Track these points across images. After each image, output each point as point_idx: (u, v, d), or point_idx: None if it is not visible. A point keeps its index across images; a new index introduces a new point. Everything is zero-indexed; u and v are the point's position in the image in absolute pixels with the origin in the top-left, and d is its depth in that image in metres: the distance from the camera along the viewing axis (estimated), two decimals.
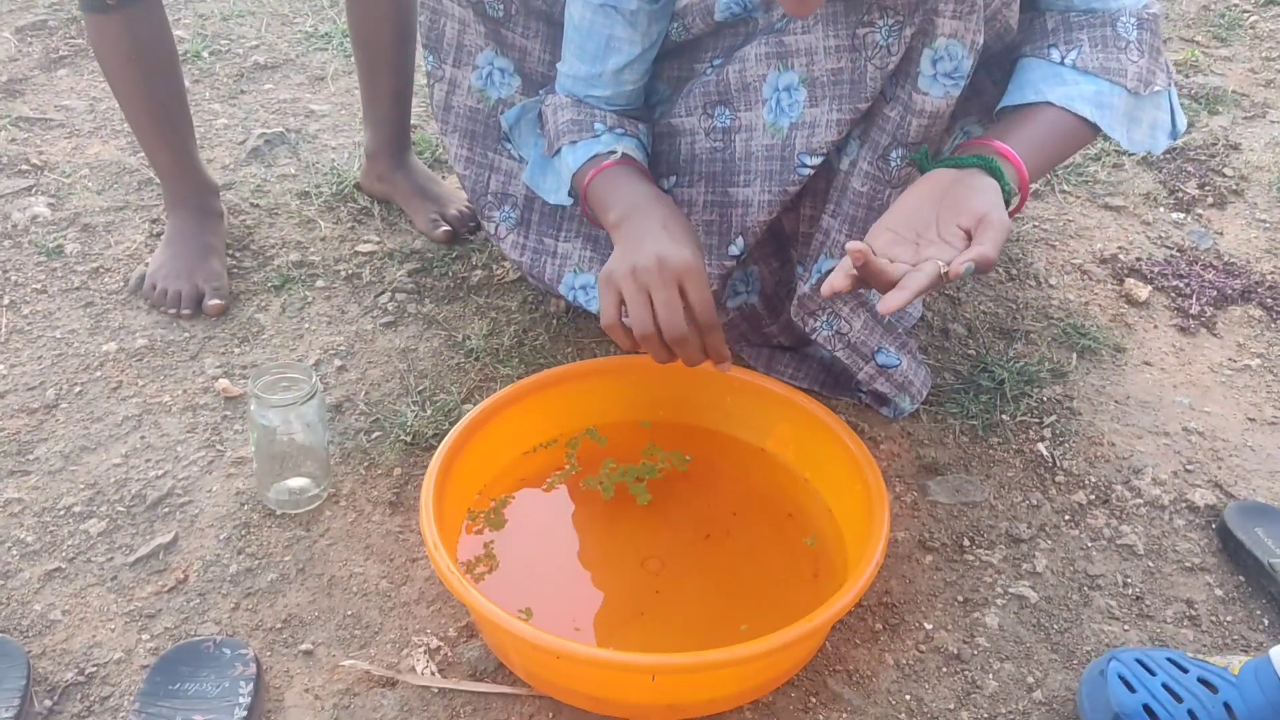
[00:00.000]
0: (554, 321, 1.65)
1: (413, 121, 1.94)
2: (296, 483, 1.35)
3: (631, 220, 1.25)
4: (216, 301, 1.66)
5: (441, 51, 1.49)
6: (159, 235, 1.81)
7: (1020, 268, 1.76)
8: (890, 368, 1.46)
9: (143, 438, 1.46)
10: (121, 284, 1.73)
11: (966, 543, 1.33)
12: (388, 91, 1.81)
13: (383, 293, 1.71)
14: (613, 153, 1.34)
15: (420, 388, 1.54)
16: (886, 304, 1.02)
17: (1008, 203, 1.15)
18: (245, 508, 1.37)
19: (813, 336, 1.42)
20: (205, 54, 2.43)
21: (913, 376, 1.48)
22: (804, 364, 1.53)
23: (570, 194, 1.42)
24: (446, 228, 1.81)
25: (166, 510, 1.36)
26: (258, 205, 1.91)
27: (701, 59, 1.44)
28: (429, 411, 1.49)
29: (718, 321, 1.20)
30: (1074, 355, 1.58)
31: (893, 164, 1.28)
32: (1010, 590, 1.27)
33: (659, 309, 1.17)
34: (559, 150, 1.39)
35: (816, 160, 1.32)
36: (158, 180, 1.79)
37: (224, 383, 1.54)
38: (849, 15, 1.25)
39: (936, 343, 1.62)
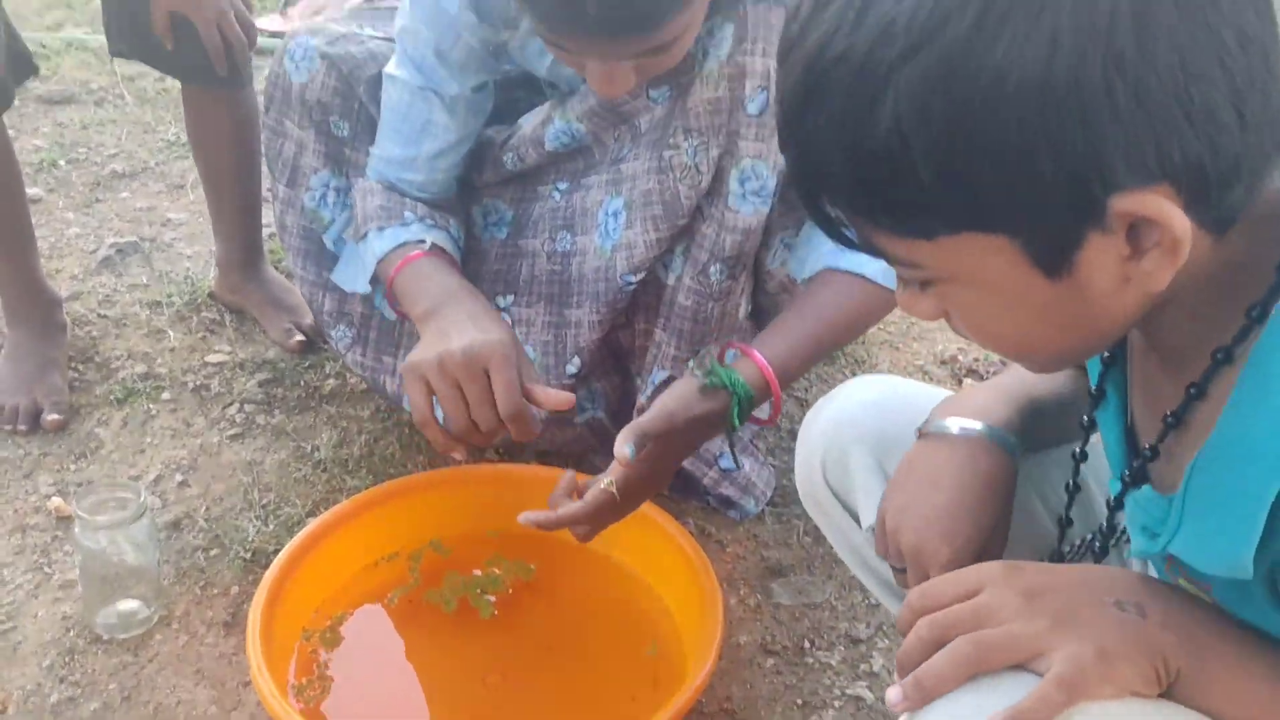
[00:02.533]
0: (406, 430, 1.65)
1: (270, 229, 1.94)
2: (126, 605, 1.31)
3: (440, 313, 1.25)
4: (54, 416, 1.61)
5: (278, 170, 1.50)
6: None
7: (865, 369, 1.82)
8: (732, 471, 1.48)
9: None
10: None
11: (807, 645, 1.34)
12: (232, 206, 1.82)
13: (231, 404, 1.69)
14: (421, 242, 1.34)
15: (264, 501, 1.51)
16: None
17: (748, 404, 1.17)
18: (71, 633, 1.32)
19: None
20: (62, 162, 2.40)
21: (756, 479, 1.51)
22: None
23: (372, 281, 1.42)
24: (300, 337, 1.80)
25: None
26: (105, 316, 1.87)
27: (545, 182, 1.48)
28: (271, 526, 1.47)
29: (522, 407, 1.18)
30: None
31: (713, 278, 1.33)
32: (848, 692, 1.28)
33: (471, 404, 1.17)
34: (365, 235, 1.38)
35: (637, 277, 1.36)
36: None
37: (56, 501, 1.49)
38: (659, 139, 1.31)
39: (785, 444, 1.65)
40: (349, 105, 1.45)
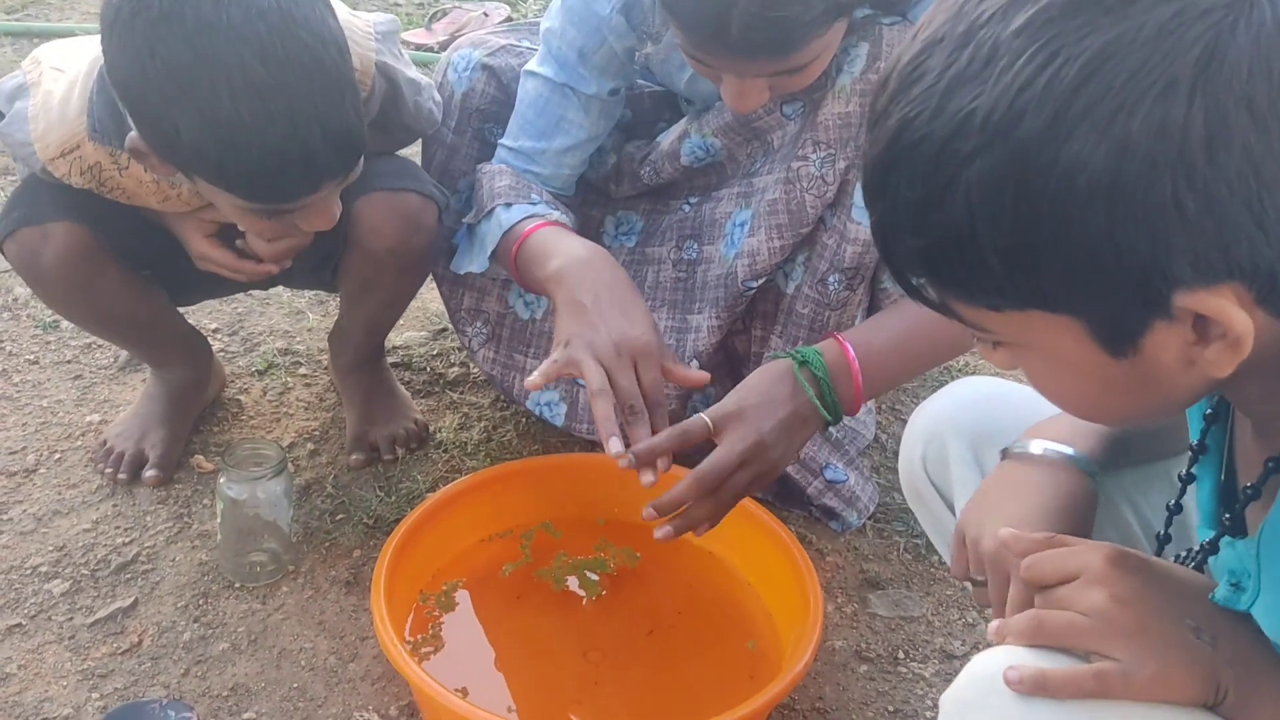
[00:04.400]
0: (523, 420, 1.72)
1: None
2: (258, 556, 1.40)
3: (572, 273, 1.25)
4: (152, 473, 1.54)
5: (432, 174, 1.56)
6: None
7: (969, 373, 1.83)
8: (837, 483, 1.52)
9: (115, 506, 1.51)
10: (112, 360, 1.80)
11: (901, 655, 1.36)
12: (362, 323, 1.63)
13: None
14: (547, 216, 1.37)
15: (388, 474, 1.59)
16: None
17: (824, 385, 1.20)
18: (206, 578, 1.41)
19: None
20: None
21: (860, 492, 1.54)
22: None
23: (493, 255, 1.41)
24: (358, 456, 1.60)
25: (129, 576, 1.41)
26: (252, 295, 1.99)
27: (678, 196, 1.54)
28: (393, 498, 1.55)
29: (664, 401, 1.22)
30: None
31: (830, 288, 1.37)
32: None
33: (619, 394, 1.19)
34: (492, 210, 1.40)
35: (758, 283, 1.42)
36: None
37: (198, 458, 1.59)
38: (789, 152, 1.36)
39: (889, 463, 1.68)
40: (505, 113, 1.51)
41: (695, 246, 1.51)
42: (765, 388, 1.21)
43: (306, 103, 1.10)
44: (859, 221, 1.33)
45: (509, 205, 1.40)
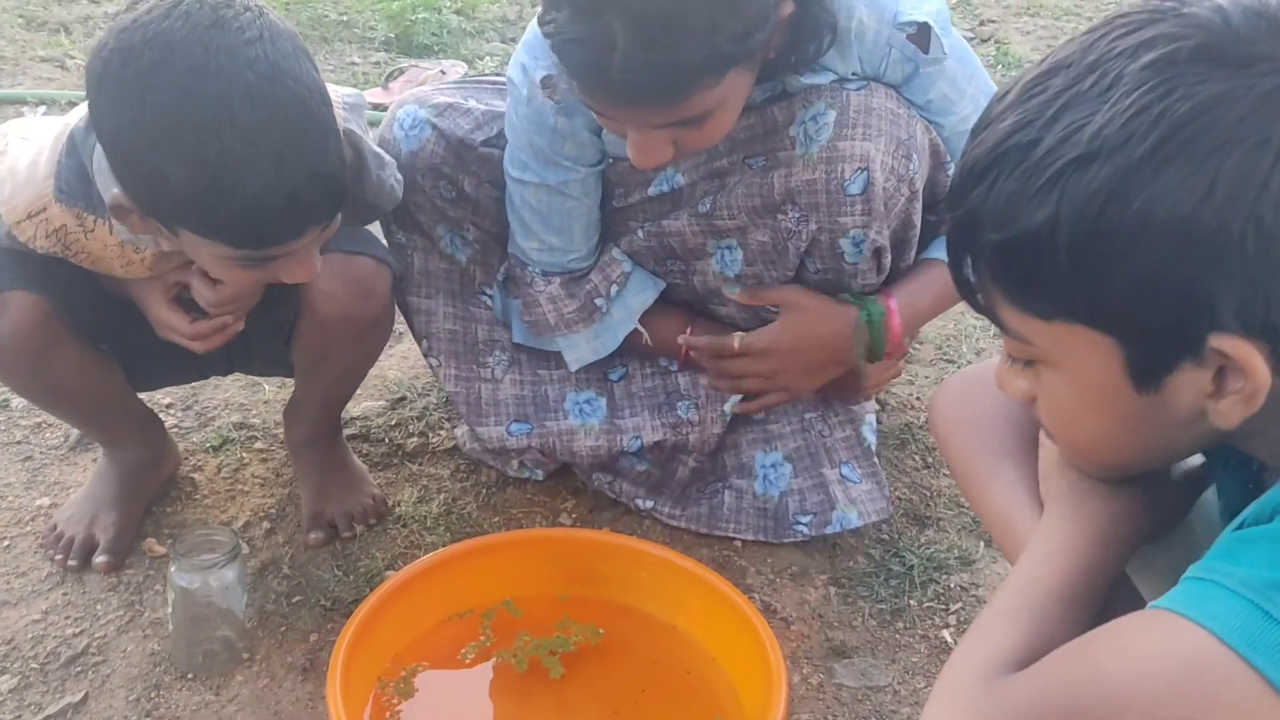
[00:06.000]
0: (484, 491, 1.70)
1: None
2: (211, 645, 1.37)
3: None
4: (102, 559, 1.50)
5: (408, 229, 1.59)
6: None
7: (935, 456, 1.83)
8: (849, 481, 1.59)
9: (65, 594, 1.48)
10: (62, 440, 1.76)
11: None
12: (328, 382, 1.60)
13: None
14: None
15: (346, 552, 1.57)
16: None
17: (874, 323, 1.44)
18: (158, 669, 1.38)
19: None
20: None
21: (867, 499, 1.59)
22: (743, 514, 1.61)
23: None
24: (319, 534, 1.57)
25: (79, 669, 1.37)
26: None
27: (635, 219, 1.55)
28: (351, 577, 1.52)
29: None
30: (981, 544, 1.63)
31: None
32: None
33: None
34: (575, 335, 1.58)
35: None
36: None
37: (150, 541, 1.56)
38: (759, 200, 1.40)
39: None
40: (455, 175, 1.52)
41: (679, 264, 1.54)
42: (826, 330, 1.46)
43: (293, 147, 1.12)
44: (852, 261, 1.41)
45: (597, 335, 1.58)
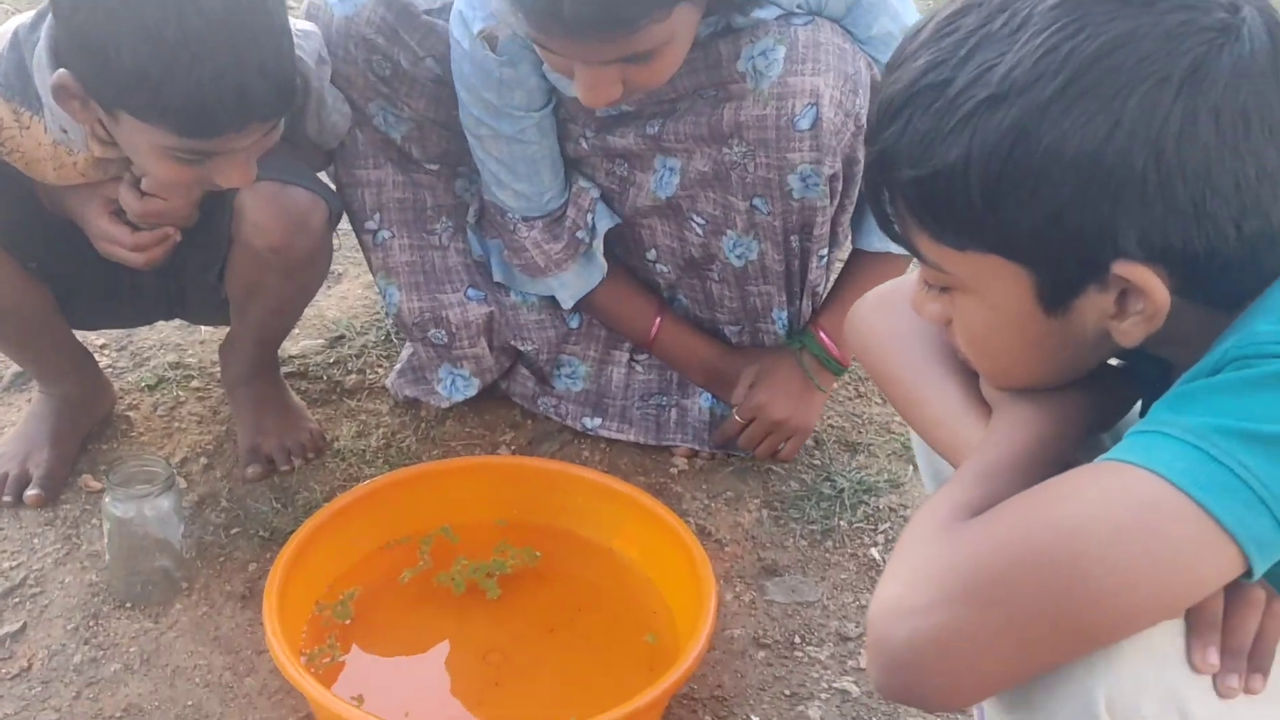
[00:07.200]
0: (422, 425, 1.71)
1: None
2: (149, 575, 1.38)
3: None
4: (33, 492, 1.50)
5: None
6: None
7: (867, 385, 1.87)
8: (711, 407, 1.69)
9: (1, 530, 1.48)
10: None
11: (798, 640, 1.39)
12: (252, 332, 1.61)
13: None
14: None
15: (284, 485, 1.58)
16: None
17: (826, 360, 1.59)
18: (96, 599, 1.38)
19: None
20: None
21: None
22: (688, 427, 1.67)
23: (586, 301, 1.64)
24: (256, 468, 1.58)
25: (17, 600, 1.38)
26: None
27: (579, 126, 1.53)
28: (289, 509, 1.53)
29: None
30: (910, 467, 1.68)
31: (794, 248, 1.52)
32: (834, 685, 1.33)
33: None
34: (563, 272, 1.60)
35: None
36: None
37: (86, 477, 1.56)
38: (707, 129, 1.42)
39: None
40: (392, 49, 1.45)
41: (624, 166, 1.54)
42: (779, 379, 1.59)
43: (249, 40, 1.16)
44: (800, 198, 1.42)
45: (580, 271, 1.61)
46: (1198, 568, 0.67)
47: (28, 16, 1.29)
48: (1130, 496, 0.68)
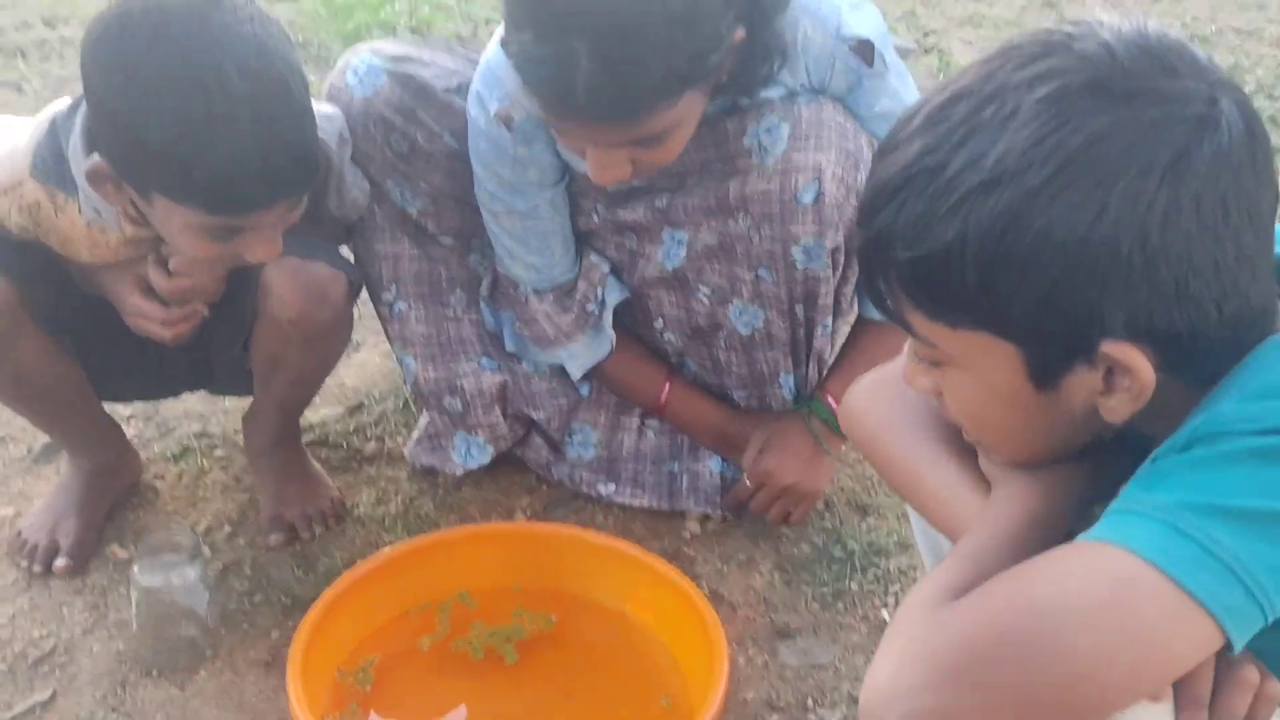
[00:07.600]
0: (440, 492, 1.75)
1: None
2: (175, 644, 1.41)
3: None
4: (61, 562, 1.54)
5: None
6: None
7: None
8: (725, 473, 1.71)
9: (31, 599, 1.52)
10: (26, 452, 1.80)
11: (810, 702, 1.41)
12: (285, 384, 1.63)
13: None
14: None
15: (306, 553, 1.62)
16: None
17: (834, 425, 1.56)
18: (123, 667, 1.42)
19: None
20: None
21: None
22: (700, 492, 1.69)
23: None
24: (278, 536, 1.62)
25: (47, 669, 1.42)
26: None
27: (590, 200, 1.58)
28: (311, 576, 1.57)
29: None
30: None
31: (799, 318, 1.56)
32: None
33: None
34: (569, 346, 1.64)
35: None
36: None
37: (113, 546, 1.60)
38: (713, 202, 1.48)
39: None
40: (409, 128, 1.51)
41: (633, 239, 1.58)
42: (787, 444, 1.61)
43: (274, 118, 1.21)
44: (802, 267, 1.47)
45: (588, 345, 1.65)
46: (1174, 643, 0.69)
47: (65, 103, 1.36)
48: (1106, 574, 0.70)
